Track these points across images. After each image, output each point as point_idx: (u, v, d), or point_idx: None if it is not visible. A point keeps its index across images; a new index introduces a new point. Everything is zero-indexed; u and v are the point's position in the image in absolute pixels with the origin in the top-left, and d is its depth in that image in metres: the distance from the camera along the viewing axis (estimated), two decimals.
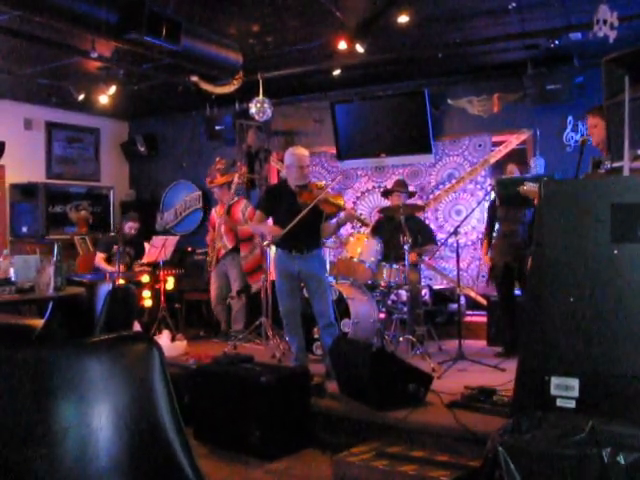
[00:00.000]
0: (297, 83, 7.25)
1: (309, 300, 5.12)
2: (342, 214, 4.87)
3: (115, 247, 6.78)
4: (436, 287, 6.86)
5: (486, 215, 6.20)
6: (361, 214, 7.06)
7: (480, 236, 6.97)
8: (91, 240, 8.05)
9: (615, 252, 2.75)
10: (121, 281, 6.24)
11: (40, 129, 8.59)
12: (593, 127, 4.28)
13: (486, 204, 6.25)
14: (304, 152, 4.98)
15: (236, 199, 6.93)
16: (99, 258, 6.96)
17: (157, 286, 6.76)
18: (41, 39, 5.56)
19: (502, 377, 4.52)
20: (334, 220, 4.93)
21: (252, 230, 6.26)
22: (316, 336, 5.46)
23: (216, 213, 7.06)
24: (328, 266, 6.03)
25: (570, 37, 5.52)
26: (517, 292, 5.75)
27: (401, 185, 6.46)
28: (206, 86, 6.74)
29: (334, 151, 7.81)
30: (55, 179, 8.67)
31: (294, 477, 3.70)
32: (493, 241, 5.91)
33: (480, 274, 6.91)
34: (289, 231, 4.67)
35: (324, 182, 5.53)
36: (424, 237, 6.16)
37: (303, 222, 4.68)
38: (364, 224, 5.53)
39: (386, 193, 6.51)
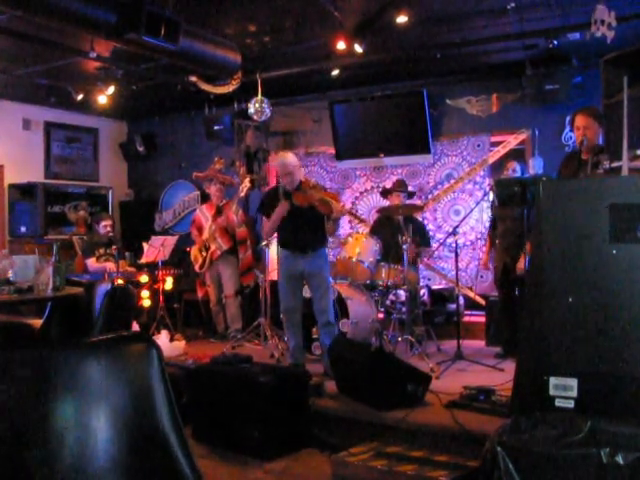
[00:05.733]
0: (296, 83, 7.25)
1: (311, 299, 5.13)
2: (334, 212, 4.79)
3: (99, 250, 6.79)
4: (435, 287, 6.86)
5: (486, 216, 6.18)
6: (357, 212, 6.98)
7: (479, 236, 6.97)
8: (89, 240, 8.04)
9: (614, 252, 2.74)
10: (120, 281, 6.23)
11: (39, 129, 8.58)
12: (584, 128, 4.27)
13: (485, 204, 6.24)
14: (287, 159, 4.95)
15: (225, 201, 6.91)
16: (90, 263, 6.89)
17: (156, 286, 6.75)
18: (40, 39, 5.56)
19: (501, 377, 4.52)
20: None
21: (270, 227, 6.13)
22: (315, 336, 5.46)
23: (202, 213, 7.02)
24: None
25: (569, 37, 5.53)
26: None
27: (401, 185, 6.46)
28: (205, 86, 6.74)
29: (333, 151, 7.79)
30: (54, 179, 8.66)
31: (293, 477, 3.69)
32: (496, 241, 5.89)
33: (479, 274, 6.90)
34: (293, 232, 4.81)
35: (314, 180, 5.46)
36: (421, 238, 6.16)
37: (305, 222, 4.78)
38: (360, 220, 5.50)
39: (385, 193, 6.50)
